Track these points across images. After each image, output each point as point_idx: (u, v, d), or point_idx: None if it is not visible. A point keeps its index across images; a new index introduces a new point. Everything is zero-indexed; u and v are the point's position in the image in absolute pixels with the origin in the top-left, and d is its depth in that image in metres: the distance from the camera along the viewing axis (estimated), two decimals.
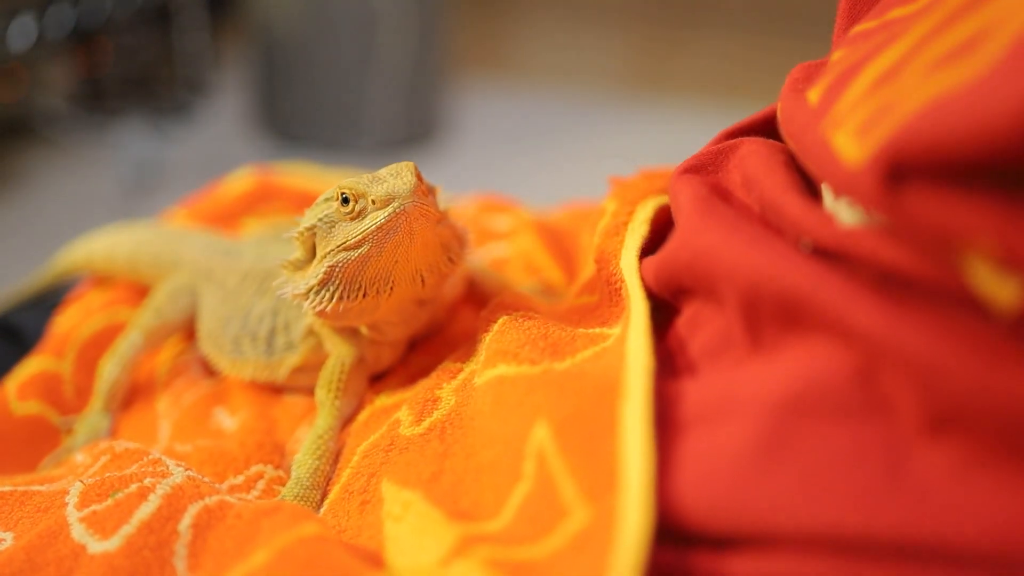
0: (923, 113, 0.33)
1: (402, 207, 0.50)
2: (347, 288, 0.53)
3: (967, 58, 0.34)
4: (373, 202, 0.51)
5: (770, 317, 0.40)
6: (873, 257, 0.37)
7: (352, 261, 0.52)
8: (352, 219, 0.52)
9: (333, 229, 0.52)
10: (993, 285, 0.32)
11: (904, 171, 0.33)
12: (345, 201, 0.52)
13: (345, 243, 0.52)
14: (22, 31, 1.87)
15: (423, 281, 0.54)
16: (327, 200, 0.53)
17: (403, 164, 0.53)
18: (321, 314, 0.54)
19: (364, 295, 0.53)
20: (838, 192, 0.40)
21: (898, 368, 0.34)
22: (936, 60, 0.35)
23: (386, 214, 0.51)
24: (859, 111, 0.39)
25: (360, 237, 0.51)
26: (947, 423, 0.33)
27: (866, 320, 0.35)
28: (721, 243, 0.42)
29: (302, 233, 0.54)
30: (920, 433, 0.34)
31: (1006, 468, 0.32)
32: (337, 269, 0.52)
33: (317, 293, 0.53)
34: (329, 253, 0.52)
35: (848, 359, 0.36)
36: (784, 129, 0.47)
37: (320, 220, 0.53)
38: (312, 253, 0.54)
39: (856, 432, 0.35)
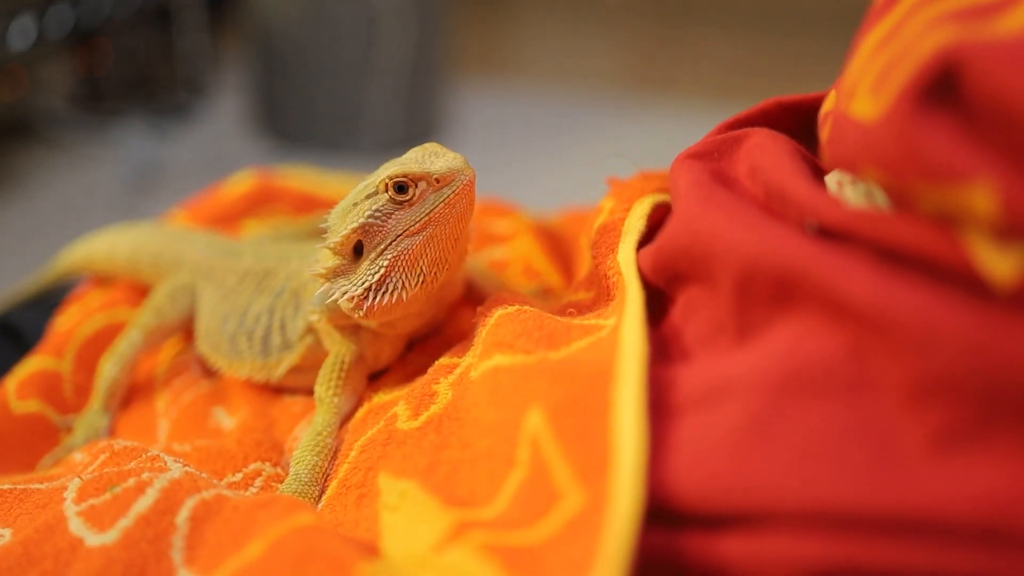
0: (948, 50, 0.33)
1: (467, 178, 0.52)
2: (408, 276, 0.53)
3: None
4: (437, 180, 0.52)
5: (762, 297, 0.40)
6: (879, 235, 0.37)
7: (417, 245, 0.53)
8: (411, 205, 0.52)
9: (389, 221, 0.53)
10: (993, 258, 0.33)
11: (925, 108, 0.34)
12: (401, 189, 0.52)
13: (408, 229, 0.52)
14: (22, 31, 1.87)
15: (464, 255, 0.56)
16: (370, 196, 0.53)
17: (432, 144, 0.54)
18: (373, 312, 0.54)
19: (422, 281, 0.54)
20: (856, 162, 0.40)
21: (889, 337, 0.35)
22: (942, 15, 0.36)
23: (452, 189, 0.52)
24: (867, 74, 0.40)
25: (427, 218, 0.52)
26: (934, 393, 0.34)
27: (860, 291, 0.35)
28: (720, 225, 0.43)
29: (347, 236, 0.53)
30: (906, 407, 0.35)
31: (990, 439, 0.33)
32: (401, 258, 0.53)
33: (378, 290, 0.53)
34: (390, 245, 0.53)
35: (839, 337, 0.37)
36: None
37: (369, 217, 0.53)
38: (353, 256, 0.54)
39: (846, 410, 0.36)
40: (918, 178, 0.35)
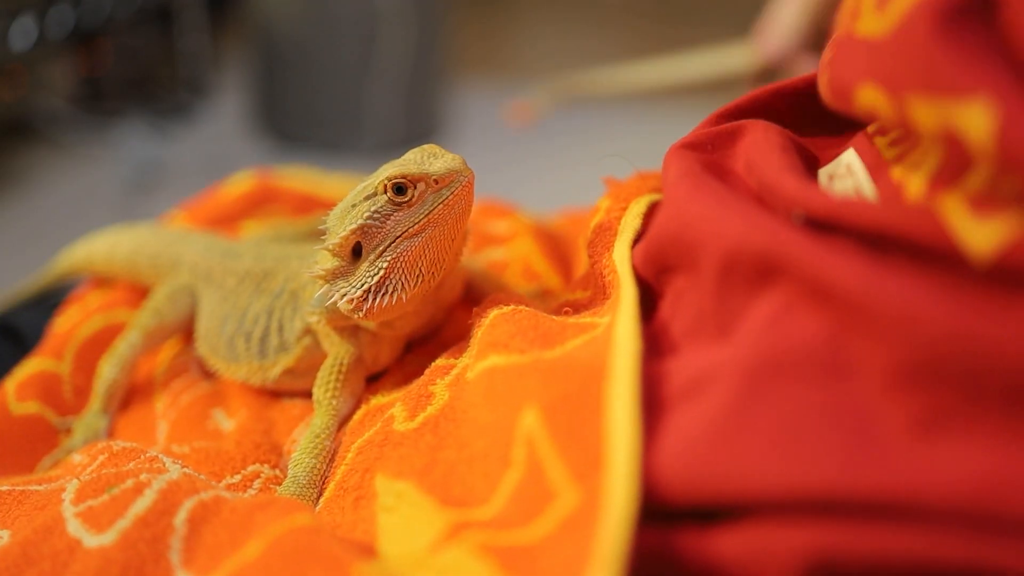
0: None
1: (465, 179, 0.52)
2: (407, 278, 0.53)
3: None
4: (436, 182, 0.52)
5: (744, 281, 0.40)
6: (864, 221, 0.37)
7: (416, 247, 0.53)
8: (410, 206, 0.52)
9: (388, 222, 0.53)
10: (971, 231, 0.34)
11: (943, 21, 0.34)
12: (400, 190, 0.52)
13: (408, 230, 0.52)
14: (23, 31, 1.87)
15: (459, 255, 0.56)
16: (369, 198, 0.53)
17: (431, 145, 0.54)
18: (372, 313, 0.53)
19: (421, 282, 0.54)
20: (856, 81, 0.40)
21: (871, 322, 0.35)
22: None
23: (451, 190, 0.52)
24: None
25: (426, 219, 0.52)
26: (916, 377, 0.34)
27: (842, 275, 0.36)
28: (707, 212, 0.43)
29: (346, 238, 0.53)
30: (888, 391, 0.35)
31: (973, 423, 0.33)
32: (400, 259, 0.53)
33: (376, 292, 0.53)
34: (389, 246, 0.53)
35: (820, 321, 0.37)
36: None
37: (368, 219, 0.53)
38: (352, 258, 0.54)
39: (827, 394, 0.36)
40: (919, 91, 0.35)
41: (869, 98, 0.39)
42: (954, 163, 0.36)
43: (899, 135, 0.43)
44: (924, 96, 0.35)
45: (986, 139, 0.32)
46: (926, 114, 0.35)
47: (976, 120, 0.32)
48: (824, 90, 0.46)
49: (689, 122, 0.55)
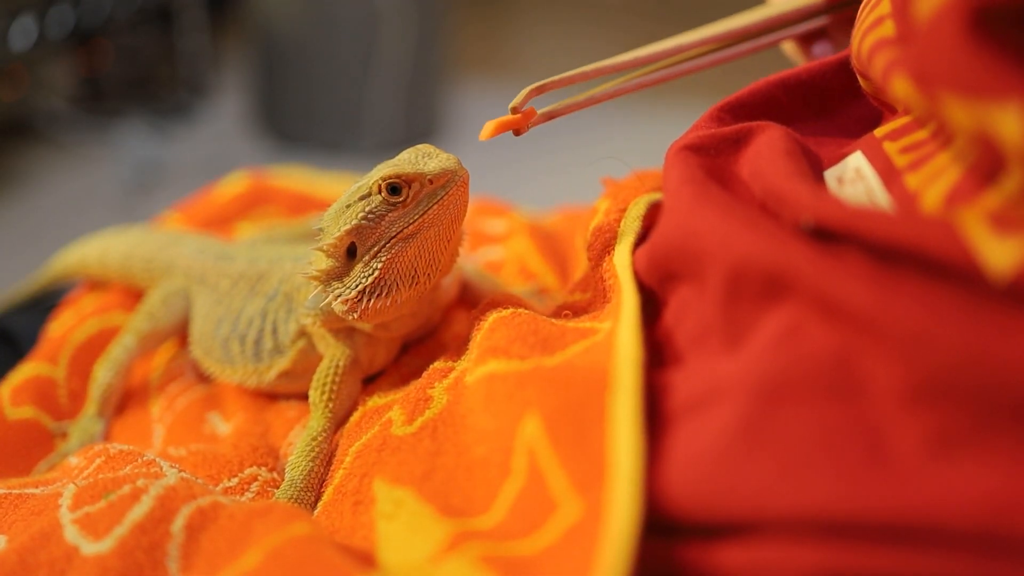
0: None
1: (460, 179, 0.52)
2: (403, 279, 0.53)
3: None
4: (431, 181, 0.51)
5: (752, 296, 0.40)
6: (879, 232, 0.37)
7: (411, 247, 0.52)
8: (405, 207, 0.52)
9: (382, 222, 0.52)
10: (992, 248, 0.33)
11: (978, 22, 0.34)
12: (395, 190, 0.51)
13: (403, 231, 0.52)
14: (23, 31, 1.87)
15: (455, 256, 0.56)
16: (364, 198, 0.52)
17: (425, 145, 0.54)
18: (367, 314, 0.53)
19: (416, 282, 0.53)
20: (893, 68, 0.40)
21: (883, 340, 0.34)
22: None
23: (446, 190, 0.52)
24: None
25: (421, 219, 0.52)
26: (928, 396, 0.34)
27: (853, 292, 0.35)
28: (713, 223, 0.42)
29: (340, 238, 0.53)
30: (900, 411, 0.34)
31: (986, 442, 0.33)
32: (395, 260, 0.52)
33: (371, 293, 0.53)
34: (384, 247, 0.52)
35: (830, 338, 0.36)
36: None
37: (363, 219, 0.52)
38: (346, 259, 0.54)
39: (838, 413, 0.35)
40: (952, 90, 0.35)
41: (902, 89, 0.39)
42: (986, 166, 0.36)
43: (911, 143, 0.43)
44: (958, 95, 0.34)
45: (1020, 141, 0.32)
46: (961, 113, 0.35)
47: (1010, 123, 0.32)
48: (877, 74, 0.45)
49: (688, 119, 0.55)
